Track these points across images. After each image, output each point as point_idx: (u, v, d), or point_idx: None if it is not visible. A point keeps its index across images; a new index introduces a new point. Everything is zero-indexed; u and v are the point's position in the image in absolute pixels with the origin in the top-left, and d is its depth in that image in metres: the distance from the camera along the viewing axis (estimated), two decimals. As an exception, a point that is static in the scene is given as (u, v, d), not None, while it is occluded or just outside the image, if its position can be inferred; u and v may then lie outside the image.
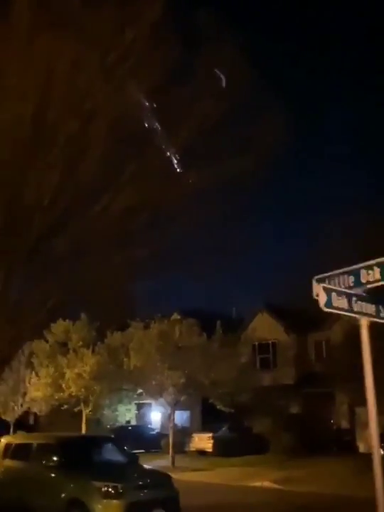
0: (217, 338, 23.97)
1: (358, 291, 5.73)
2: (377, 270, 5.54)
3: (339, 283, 5.81)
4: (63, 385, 24.73)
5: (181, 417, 32.47)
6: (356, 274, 5.76)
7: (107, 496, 8.98)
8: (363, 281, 5.69)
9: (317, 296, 5.40)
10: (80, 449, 10.62)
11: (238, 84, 9.50)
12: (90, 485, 9.21)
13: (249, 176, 10.14)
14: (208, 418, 30.69)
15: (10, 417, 28.48)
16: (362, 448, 26.66)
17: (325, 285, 5.52)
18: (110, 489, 9.00)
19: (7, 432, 26.76)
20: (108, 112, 9.12)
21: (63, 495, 9.45)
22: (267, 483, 18.03)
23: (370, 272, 5.61)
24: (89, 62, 9.32)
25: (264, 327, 31.81)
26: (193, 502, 13.82)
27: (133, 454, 11.17)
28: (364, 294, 5.76)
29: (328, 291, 5.48)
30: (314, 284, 5.51)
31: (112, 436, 30.37)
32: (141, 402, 33.95)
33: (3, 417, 29.11)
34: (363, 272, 5.70)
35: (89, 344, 25.43)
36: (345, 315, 5.67)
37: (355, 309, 5.66)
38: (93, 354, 24.71)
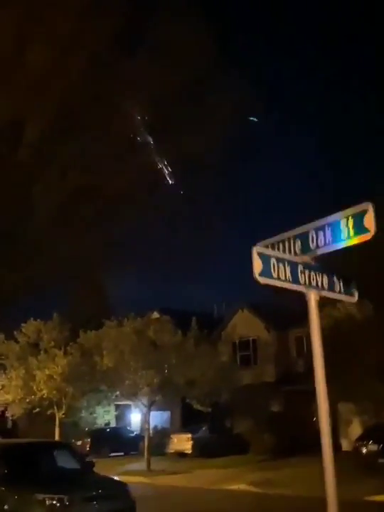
0: (192, 335, 23.10)
1: (306, 259, 4.70)
2: (328, 232, 4.52)
3: (285, 250, 4.81)
4: (34, 388, 23.71)
5: (161, 418, 31.62)
6: (304, 237, 4.71)
7: (51, 509, 8.07)
8: (312, 246, 4.64)
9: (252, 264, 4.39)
10: (27, 456, 9.65)
11: (197, 51, 8.64)
12: (33, 497, 8.28)
13: (210, 156, 9.27)
14: (188, 419, 29.83)
15: (-18, 422, 27.43)
16: (345, 446, 26.00)
17: (260, 250, 4.49)
18: (55, 502, 8.09)
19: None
20: (53, 81, 8.18)
21: (5, 507, 8.52)
22: (243, 486, 17.23)
23: (320, 233, 4.59)
24: (33, 28, 8.41)
25: (245, 324, 31.01)
26: (159, 509, 12.97)
27: (88, 461, 10.22)
28: (313, 263, 4.72)
29: (264, 258, 4.44)
30: (253, 251, 4.44)
31: (89, 439, 30.09)
32: (120, 403, 32.99)
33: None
34: (312, 234, 4.66)
35: (62, 344, 24.42)
36: (288, 288, 4.60)
37: (302, 281, 4.61)
38: (65, 355, 23.71)
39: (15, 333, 25.76)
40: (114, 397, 28.62)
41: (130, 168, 8.86)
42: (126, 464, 25.08)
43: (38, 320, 25.54)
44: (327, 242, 4.53)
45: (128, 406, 33.59)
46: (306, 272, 4.64)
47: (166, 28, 8.56)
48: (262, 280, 4.37)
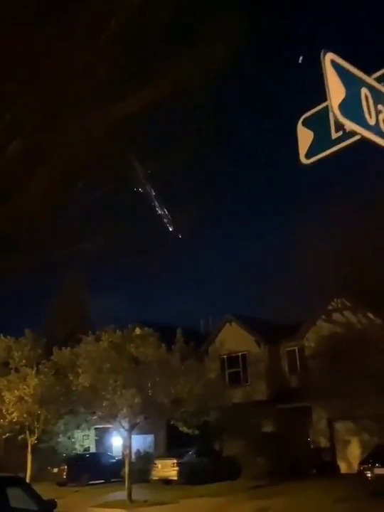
0: (177, 348, 21.06)
1: None
2: None
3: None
4: (4, 411, 21.49)
5: (144, 442, 29.37)
6: None
7: None
8: None
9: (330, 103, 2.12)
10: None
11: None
12: None
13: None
14: (173, 442, 27.63)
15: None
16: (343, 468, 24.15)
17: (342, 62, 2.24)
18: None
19: None
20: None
21: None
22: (236, 518, 15.27)
23: None
24: None
25: (233, 338, 29.06)
26: None
27: (49, 500, 8.23)
28: None
29: (351, 81, 2.20)
30: (324, 59, 2.25)
31: (66, 466, 27.75)
32: (100, 426, 30.70)
33: None
34: None
35: (34, 363, 22.29)
36: None
37: None
38: (37, 374, 21.57)
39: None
40: (93, 419, 26.45)
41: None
42: (106, 494, 22.87)
43: (9, 337, 23.41)
44: None
45: (109, 429, 31.32)
46: None
47: None
48: (348, 124, 2.21)
